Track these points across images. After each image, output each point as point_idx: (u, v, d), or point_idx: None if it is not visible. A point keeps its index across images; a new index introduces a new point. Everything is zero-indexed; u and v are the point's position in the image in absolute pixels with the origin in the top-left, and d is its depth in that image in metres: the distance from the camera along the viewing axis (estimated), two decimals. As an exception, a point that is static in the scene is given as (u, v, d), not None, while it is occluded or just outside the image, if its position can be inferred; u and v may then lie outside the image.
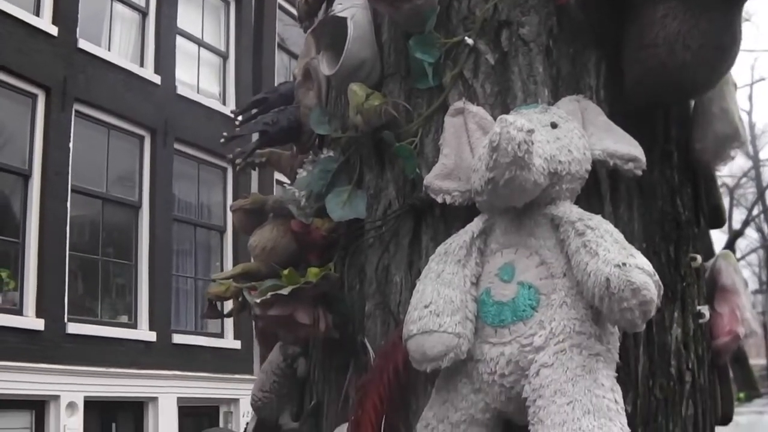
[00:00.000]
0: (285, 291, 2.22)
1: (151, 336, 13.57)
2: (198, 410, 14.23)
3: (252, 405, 2.66)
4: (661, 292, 1.80)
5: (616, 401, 1.79)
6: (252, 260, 2.68)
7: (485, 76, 2.34)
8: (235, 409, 14.35)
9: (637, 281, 1.73)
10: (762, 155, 32.09)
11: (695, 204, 2.59)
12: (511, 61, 2.33)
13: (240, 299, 2.60)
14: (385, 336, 2.28)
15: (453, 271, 2.00)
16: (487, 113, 2.24)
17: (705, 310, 2.52)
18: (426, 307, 1.95)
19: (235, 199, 14.53)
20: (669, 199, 2.46)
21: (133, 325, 13.55)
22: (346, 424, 2.27)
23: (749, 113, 32.51)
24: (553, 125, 2.08)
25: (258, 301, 2.25)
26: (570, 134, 2.07)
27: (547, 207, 2.01)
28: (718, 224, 2.71)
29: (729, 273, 2.67)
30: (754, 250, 31.24)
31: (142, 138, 13.59)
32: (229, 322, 14.92)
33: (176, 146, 14.04)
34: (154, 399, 13.60)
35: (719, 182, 2.69)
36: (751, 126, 31.38)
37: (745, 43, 2.35)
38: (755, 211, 30.88)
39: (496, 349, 1.92)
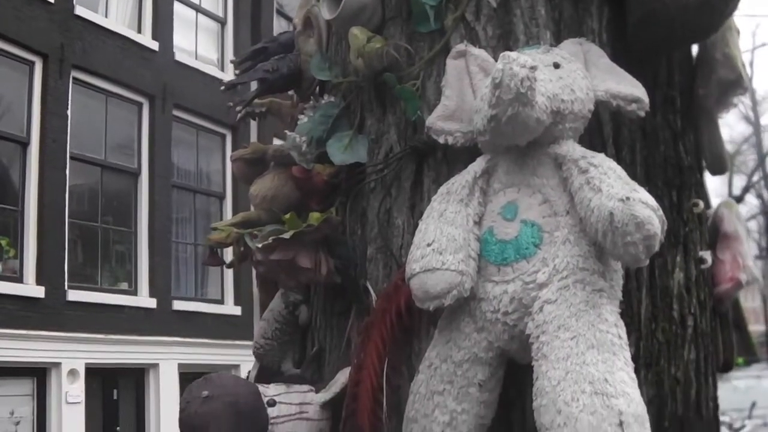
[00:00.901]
0: (286, 235, 2.22)
1: (152, 303, 13.60)
2: (199, 376, 14.21)
3: (254, 352, 2.66)
4: (665, 227, 1.79)
5: (619, 336, 1.79)
6: (252, 209, 2.67)
7: (487, 18, 2.32)
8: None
9: (641, 215, 1.72)
10: (762, 121, 31.96)
11: (697, 151, 2.59)
12: (513, 3, 2.32)
13: (241, 248, 2.59)
14: (387, 279, 2.28)
15: (455, 210, 1.99)
16: (488, 56, 2.23)
17: (707, 255, 2.52)
18: (429, 245, 1.95)
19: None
20: (671, 144, 2.45)
21: (134, 292, 13.57)
22: (349, 367, 2.27)
23: (750, 80, 32.32)
24: (556, 65, 2.07)
25: (260, 245, 2.25)
26: (572, 74, 2.06)
27: (549, 146, 2.00)
28: (721, 171, 2.70)
29: (731, 220, 2.67)
30: (753, 217, 31.18)
31: (140, 105, 13.55)
32: (229, 289, 14.95)
33: (175, 113, 14.00)
34: (155, 365, 13.65)
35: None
36: (752, 92, 31.26)
37: (746, 8, 2.34)
38: (755, 178, 30.86)
39: (499, 287, 1.92)
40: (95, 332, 12.60)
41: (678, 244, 2.41)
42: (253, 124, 12.59)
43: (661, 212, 1.78)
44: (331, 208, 2.34)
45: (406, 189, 2.30)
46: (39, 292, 11.98)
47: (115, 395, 13.54)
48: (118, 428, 13.57)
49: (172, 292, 14.06)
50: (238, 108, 2.78)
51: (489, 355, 1.96)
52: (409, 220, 2.26)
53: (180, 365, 13.63)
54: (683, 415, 2.35)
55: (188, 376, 14.11)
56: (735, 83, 2.55)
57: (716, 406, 2.54)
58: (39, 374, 12.31)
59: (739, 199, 27.06)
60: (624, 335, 1.81)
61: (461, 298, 1.93)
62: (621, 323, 1.83)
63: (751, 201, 31.97)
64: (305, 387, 2.30)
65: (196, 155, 15.01)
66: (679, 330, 2.37)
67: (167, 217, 14.04)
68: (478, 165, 2.06)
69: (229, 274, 15.09)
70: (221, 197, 15.40)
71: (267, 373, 2.48)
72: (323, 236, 2.28)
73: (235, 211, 15.17)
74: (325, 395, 2.27)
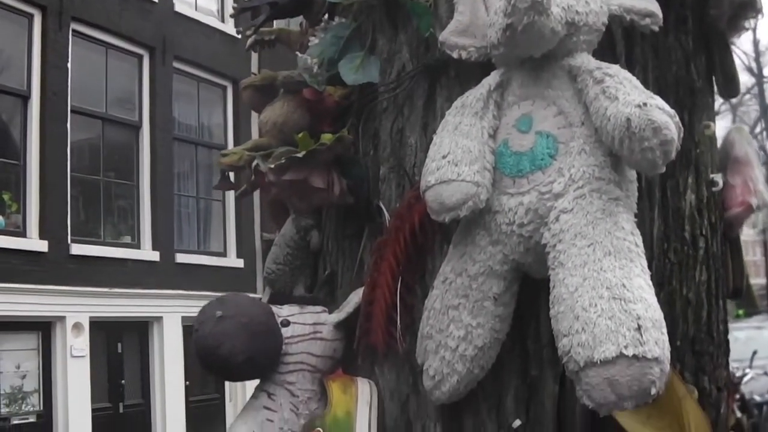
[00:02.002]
0: (299, 154, 2.21)
1: (155, 256, 13.62)
2: (203, 329, 14.32)
3: (265, 278, 2.66)
4: (681, 134, 1.78)
5: (636, 244, 1.79)
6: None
7: (500, -67, 2.29)
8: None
9: (658, 120, 1.71)
10: (765, 72, 31.78)
11: (709, 73, 2.57)
12: None
13: (252, 177, 2.58)
14: (399, 199, 2.27)
15: (470, 123, 1.98)
16: (501, -28, 2.20)
17: (718, 178, 2.52)
18: (444, 157, 1.94)
19: (235, 118, 14.50)
20: (683, 64, 2.44)
21: (136, 246, 13.58)
22: (362, 288, 2.28)
23: (753, 30, 32.17)
24: (570, -22, 2.04)
25: (272, 166, 2.24)
26: (586, -13, 2.04)
27: (564, 59, 1.98)
28: (733, 94, 2.69)
29: (742, 145, 2.66)
30: (755, 168, 31.07)
31: (140, 57, 13.47)
32: (231, 241, 14.96)
33: (175, 65, 13.93)
34: (159, 318, 13.69)
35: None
36: (756, 43, 31.09)
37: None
38: (758, 129, 30.75)
39: (514, 199, 1.92)
40: (99, 286, 12.63)
41: (689, 165, 2.41)
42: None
43: (677, 119, 1.77)
44: (343, 130, 2.33)
45: (419, 108, 2.29)
46: (42, 246, 11.99)
47: (120, 348, 13.60)
48: (123, 381, 13.65)
49: (175, 245, 14.07)
50: (248, 33, 2.75)
51: (504, 268, 1.96)
52: (422, 139, 2.25)
53: (183, 318, 13.65)
54: (695, 335, 2.36)
55: (192, 329, 14.16)
56: (748, 4, 2.53)
57: (726, 330, 2.55)
58: (44, 328, 12.36)
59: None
60: (640, 243, 1.81)
61: (476, 211, 1.92)
62: (637, 232, 1.83)
63: (753, 154, 31.81)
64: (318, 308, 2.31)
65: (198, 108, 14.96)
66: (690, 251, 2.37)
67: (169, 170, 14.02)
68: (492, 78, 2.05)
69: (231, 226, 15.10)
70: (223, 148, 15.35)
71: (279, 298, 2.49)
72: (336, 156, 2.27)
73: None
74: (338, 315, 2.28)
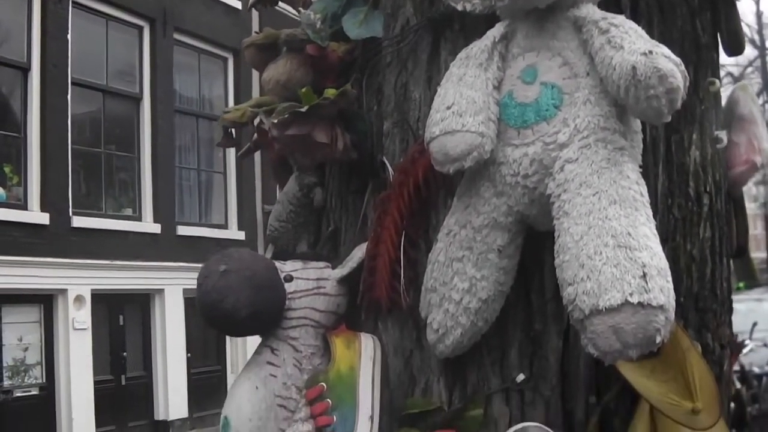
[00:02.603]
0: (303, 109, 2.20)
1: (156, 228, 13.63)
2: (204, 301, 14.34)
3: (268, 235, 2.66)
4: (687, 83, 1.77)
5: (641, 194, 1.78)
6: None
7: None
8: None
9: (664, 68, 1.70)
10: (768, 44, 31.67)
11: (714, 29, 2.56)
12: None
13: (254, 135, 2.58)
14: (403, 154, 2.26)
15: (474, 74, 1.97)
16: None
17: (723, 135, 2.51)
18: (448, 108, 1.93)
19: (236, 90, 14.46)
20: (689, 20, 2.42)
21: (138, 218, 13.60)
22: (365, 243, 2.27)
23: (756, 2, 32.02)
24: (574, -73, 2.03)
25: (275, 121, 2.23)
26: (591, -64, 2.02)
27: (569, 9, 1.96)
28: (738, 51, 2.67)
29: (746, 103, 2.65)
30: (758, 142, 30.98)
31: (141, 28, 13.45)
32: (233, 213, 14.98)
33: (176, 36, 13.90)
34: (160, 291, 13.73)
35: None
36: (759, 15, 30.96)
37: None
38: (760, 101, 30.66)
39: (519, 150, 1.91)
40: (100, 258, 12.66)
41: (694, 122, 2.40)
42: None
43: (683, 68, 1.75)
44: (346, 85, 2.31)
45: (423, 62, 2.28)
46: (44, 218, 12.00)
47: (122, 321, 13.64)
48: (125, 353, 13.70)
49: (176, 217, 14.09)
50: (253, -12, 2.73)
51: (508, 220, 1.95)
52: (426, 93, 2.24)
53: (185, 290, 13.68)
54: (698, 292, 2.36)
55: (193, 301, 14.14)
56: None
57: (729, 288, 2.55)
58: (46, 301, 12.39)
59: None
60: (645, 194, 1.80)
61: (481, 162, 1.91)
62: (642, 182, 1.82)
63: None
64: (322, 263, 2.30)
65: (198, 79, 14.93)
66: (695, 207, 2.37)
67: (170, 142, 14.02)
68: (496, 30, 2.03)
69: (233, 198, 15.12)
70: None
71: (282, 255, 2.48)
72: (339, 111, 2.26)
73: (238, 137, 15.13)
74: (341, 270, 2.27)
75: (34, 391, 12.44)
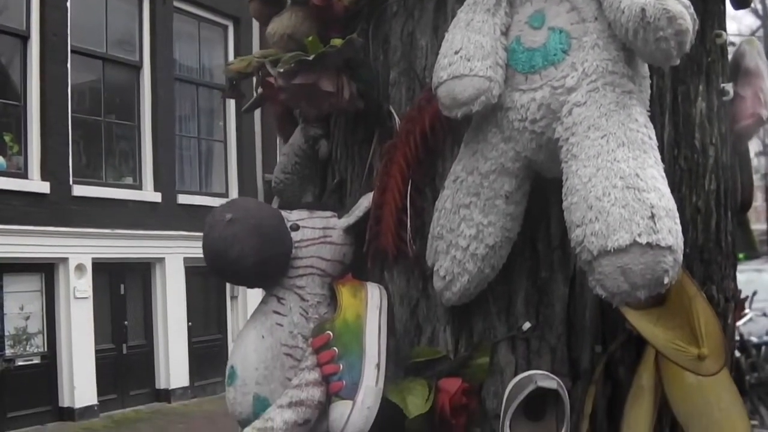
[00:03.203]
0: (309, 58, 2.19)
1: (156, 197, 13.64)
2: (205, 270, 14.29)
3: (273, 188, 2.65)
4: (696, 26, 1.76)
5: (650, 137, 1.78)
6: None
7: None
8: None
9: (673, 9, 1.69)
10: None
11: (720, -20, 2.54)
12: None
13: (259, 89, 2.57)
14: (410, 102, 2.26)
15: (482, 19, 1.96)
16: None
17: (729, 87, 2.50)
18: (456, 53, 1.92)
19: (236, 55, 14.39)
20: (696, -31, 2.41)
21: (138, 187, 13.59)
22: (372, 192, 2.27)
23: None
24: None
25: (282, 70, 2.22)
26: None
27: (577, -45, 1.95)
28: (744, 4, 2.66)
29: (753, 56, 2.64)
30: (759, 111, 30.86)
31: (140, -4, 13.40)
32: (233, 182, 14.96)
33: (176, 4, 13.83)
34: (161, 259, 13.74)
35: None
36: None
37: None
38: (764, 71, 30.49)
39: (526, 95, 1.90)
40: (101, 227, 12.67)
41: (700, 73, 2.39)
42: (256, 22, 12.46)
43: (692, 10, 1.75)
44: (352, 34, 2.30)
45: (429, 10, 2.26)
46: (44, 187, 12.00)
47: (122, 290, 13.66)
48: (126, 322, 13.73)
49: (177, 186, 14.09)
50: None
51: (516, 165, 1.95)
52: (433, 42, 2.23)
53: (186, 259, 13.70)
54: (703, 244, 2.36)
55: (194, 270, 14.22)
56: None
57: (734, 242, 2.54)
58: (47, 270, 12.41)
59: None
60: (653, 137, 1.80)
61: (488, 106, 1.91)
62: (650, 125, 1.82)
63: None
64: (328, 213, 2.30)
65: (198, 47, 14.87)
66: (700, 159, 2.37)
67: (170, 110, 13.99)
68: (504, -24, 2.02)
69: (233, 167, 15.11)
70: (224, 90, 15.28)
71: (287, 208, 2.48)
72: (345, 60, 2.25)
73: (237, 105, 15.11)
74: (348, 219, 2.27)
75: (36, 360, 12.49)
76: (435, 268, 2.08)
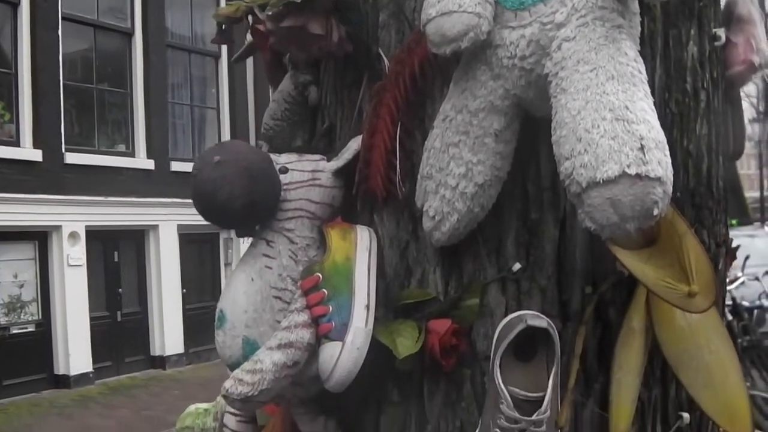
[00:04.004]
0: (297, 0, 2.17)
1: (150, 164, 13.63)
2: (198, 237, 14.42)
3: (262, 134, 2.64)
4: None
5: (639, 71, 1.77)
6: None
7: None
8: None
9: None
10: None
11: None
12: None
13: (248, 37, 2.55)
14: (399, 45, 2.24)
15: None
16: None
17: (721, 32, 2.48)
18: (444, -11, 1.90)
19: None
20: None
21: (131, 154, 13.59)
22: (361, 135, 2.26)
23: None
24: None
25: (270, 13, 2.21)
26: None
27: None
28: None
29: (745, 3, 2.62)
30: (751, 80, 30.80)
31: (131, -38, 13.31)
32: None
33: (167, -30, 13.77)
34: (155, 227, 13.76)
35: None
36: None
37: None
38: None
39: (516, 32, 1.88)
40: (94, 195, 12.68)
41: (692, 17, 2.37)
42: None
43: None
44: (340, -22, 2.28)
45: (418, -50, 2.24)
46: (36, 155, 11.99)
47: (116, 257, 13.69)
48: (120, 290, 13.77)
49: (170, 153, 14.09)
50: None
51: (505, 103, 1.94)
52: (422, -18, 2.21)
53: (179, 226, 13.73)
54: (694, 188, 2.36)
55: (187, 237, 14.26)
56: None
57: (725, 188, 2.54)
58: (40, 238, 12.42)
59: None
60: (643, 71, 1.78)
61: (477, 43, 1.89)
62: (640, 60, 1.80)
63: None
64: (317, 156, 2.29)
65: (190, 14, 14.80)
66: (692, 103, 2.35)
67: (162, 77, 13.96)
68: None
69: (226, 134, 15.09)
70: (216, 56, 15.24)
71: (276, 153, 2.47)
72: (334, 3, 2.23)
73: (230, 72, 15.08)
74: (337, 162, 2.26)
75: (31, 328, 12.53)
76: (424, 209, 2.07)
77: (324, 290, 2.10)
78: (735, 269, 10.60)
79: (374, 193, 2.21)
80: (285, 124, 2.57)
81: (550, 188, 2.10)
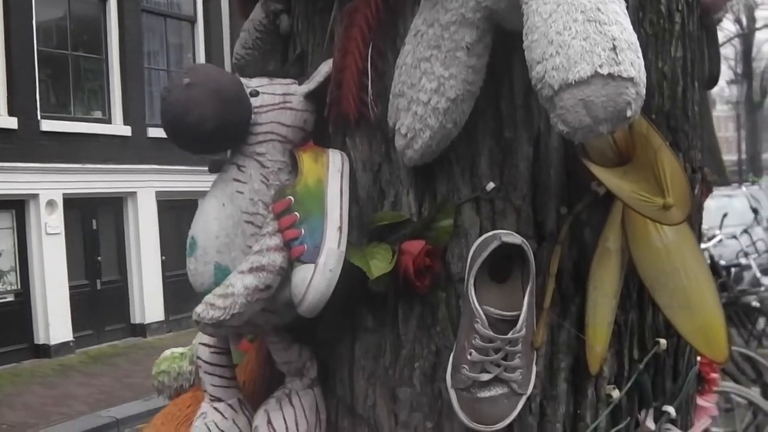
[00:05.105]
0: None
1: (126, 131, 13.54)
2: (177, 203, 14.35)
3: (234, 64, 2.60)
4: None
5: None
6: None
7: None
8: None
9: None
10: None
11: None
12: None
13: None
14: (371, -34, 2.20)
15: None
16: None
17: (696, -45, 2.46)
18: None
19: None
20: None
21: (108, 121, 13.50)
22: (332, 58, 2.22)
23: None
24: None
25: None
26: None
27: None
28: None
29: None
30: (729, 40, 30.85)
31: (104, -75, 13.17)
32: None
33: (140, -68, 13.63)
34: (133, 194, 13.69)
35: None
36: None
37: None
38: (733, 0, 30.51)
39: None
40: (71, 162, 12.60)
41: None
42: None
43: None
44: None
45: None
46: (12, 123, 11.89)
47: (95, 225, 13.63)
48: (99, 258, 13.71)
49: (147, 119, 14.00)
50: None
51: (476, 16, 1.90)
52: None
53: (158, 192, 13.67)
54: (670, 111, 2.34)
55: (166, 204, 14.19)
56: None
57: (701, 113, 2.52)
58: (17, 206, 12.35)
59: (718, 21, 26.82)
60: None
61: None
62: None
63: (729, 27, 31.59)
64: (288, 80, 2.26)
65: (165, -23, 14.69)
66: (666, 24, 2.33)
67: (138, 42, 13.85)
68: None
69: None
70: (192, 21, 15.12)
71: (248, 81, 2.43)
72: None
73: (207, 37, 14.96)
74: (308, 85, 2.23)
75: (10, 298, 12.48)
76: (396, 127, 2.04)
77: (296, 213, 2.07)
78: (713, 228, 10.69)
79: (346, 114, 2.17)
80: (256, 53, 2.53)
81: (524, 106, 2.07)
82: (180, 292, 14.13)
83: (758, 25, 35.29)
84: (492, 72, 2.01)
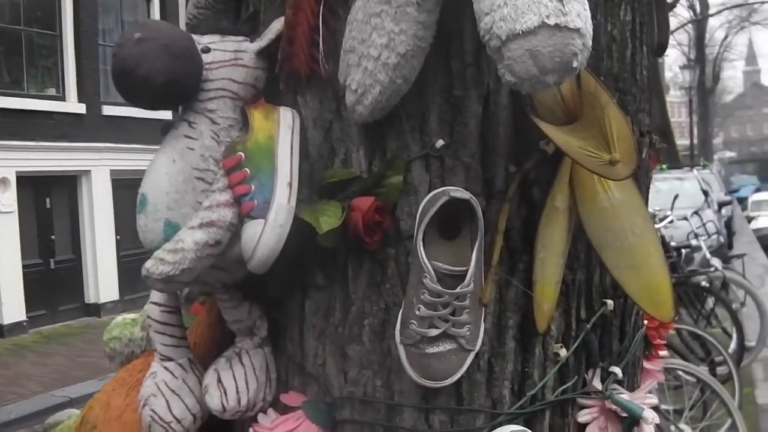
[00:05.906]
0: None
1: (81, 108, 13.41)
2: (132, 182, 14.23)
3: (187, 24, 2.59)
4: None
5: None
6: None
7: None
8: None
9: None
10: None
11: None
12: None
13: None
14: None
15: None
16: None
17: None
18: None
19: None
20: None
21: (62, 98, 13.35)
22: (284, 16, 2.22)
23: None
24: None
25: None
26: None
27: None
28: None
29: None
30: (683, 26, 31.09)
31: None
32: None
33: None
34: (87, 172, 13.57)
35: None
36: None
37: None
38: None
39: None
40: (24, 139, 12.46)
41: None
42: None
43: None
44: None
45: None
46: (-37, 99, 11.71)
47: (48, 204, 13.50)
48: (53, 237, 13.58)
49: (102, 97, 13.86)
50: None
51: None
52: None
53: (112, 171, 13.56)
54: (618, 73, 2.36)
55: (121, 183, 14.08)
56: None
57: (649, 78, 2.55)
58: (-31, 185, 12.17)
59: (672, 7, 27.02)
60: None
61: None
62: None
63: (682, 13, 31.81)
64: (240, 37, 2.25)
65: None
66: (613, -16, 2.35)
67: (93, 19, 13.69)
68: None
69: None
70: (148, -1, 15.02)
71: (200, 42, 2.42)
72: None
73: (162, 12, 14.83)
74: (260, 42, 2.22)
75: (-38, 277, 12.31)
76: (347, 83, 2.05)
77: (246, 169, 2.07)
78: (665, 209, 10.84)
79: (297, 71, 2.18)
80: (209, 12, 2.52)
81: (474, 64, 2.08)
82: (135, 272, 14.01)
83: (711, 11, 35.81)
84: (442, 30, 2.02)
